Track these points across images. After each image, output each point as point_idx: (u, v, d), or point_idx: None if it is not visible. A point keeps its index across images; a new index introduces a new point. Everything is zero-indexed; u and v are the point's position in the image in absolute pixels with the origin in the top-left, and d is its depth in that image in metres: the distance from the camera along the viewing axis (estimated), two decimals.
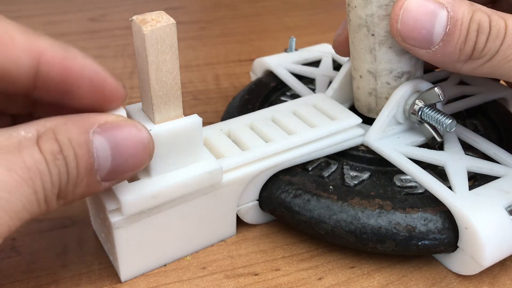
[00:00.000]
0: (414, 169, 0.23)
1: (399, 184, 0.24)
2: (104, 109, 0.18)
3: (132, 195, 0.19)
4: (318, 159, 0.25)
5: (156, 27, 0.17)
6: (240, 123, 0.25)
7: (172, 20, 0.18)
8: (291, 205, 0.22)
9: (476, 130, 0.28)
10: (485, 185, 0.22)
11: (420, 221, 0.21)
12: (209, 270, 0.22)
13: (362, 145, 0.25)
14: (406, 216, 0.21)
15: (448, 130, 0.23)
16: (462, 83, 0.31)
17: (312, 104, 0.26)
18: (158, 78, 0.18)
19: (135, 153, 0.17)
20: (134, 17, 0.18)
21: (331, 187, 0.23)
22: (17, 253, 0.23)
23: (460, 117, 0.29)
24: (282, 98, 0.30)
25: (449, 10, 0.20)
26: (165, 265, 0.22)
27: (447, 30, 0.20)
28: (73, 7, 0.50)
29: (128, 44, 0.43)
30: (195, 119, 0.20)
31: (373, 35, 0.23)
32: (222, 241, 0.24)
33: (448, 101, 0.29)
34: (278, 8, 0.53)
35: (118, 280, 0.21)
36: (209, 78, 0.38)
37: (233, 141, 0.24)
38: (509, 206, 0.21)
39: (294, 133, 0.24)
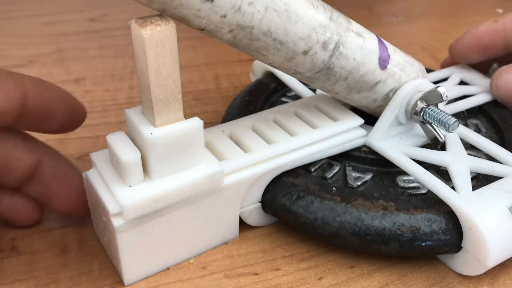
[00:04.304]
0: (417, 169, 0.23)
1: (402, 185, 0.23)
2: (72, 128, 0.23)
3: (134, 199, 0.19)
4: (321, 160, 0.25)
5: (156, 30, 0.17)
6: (242, 125, 0.24)
7: (172, 23, 0.18)
8: (294, 207, 0.22)
9: (477, 130, 0.28)
10: (489, 185, 0.22)
11: (424, 222, 0.21)
12: (209, 270, 0.22)
13: (364, 146, 0.25)
14: (410, 217, 0.21)
15: (450, 130, 0.23)
16: (462, 83, 0.31)
17: (313, 105, 0.26)
18: (158, 81, 0.18)
19: None
20: (133, 20, 0.18)
21: (334, 188, 0.23)
22: (17, 253, 0.23)
23: (461, 117, 0.29)
24: (283, 99, 0.30)
25: None
26: (168, 269, 0.22)
27: None
28: (73, 7, 0.50)
29: (128, 44, 0.42)
30: (196, 122, 0.20)
31: (336, 93, 0.24)
32: (225, 243, 0.23)
33: (448, 102, 0.29)
34: None
35: (118, 280, 0.21)
36: (209, 78, 0.38)
37: (235, 143, 0.23)
38: None
39: (296, 134, 0.24)
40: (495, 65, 0.32)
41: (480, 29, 0.30)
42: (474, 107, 0.29)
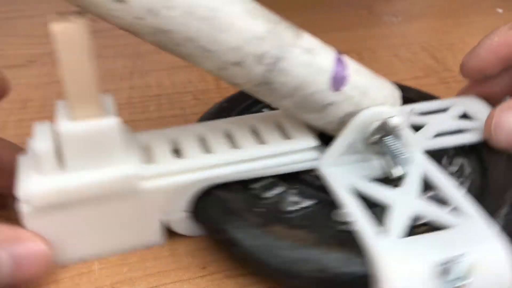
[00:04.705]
0: (350, 203, 0.21)
1: (338, 218, 0.22)
2: None
3: (41, 188, 0.19)
4: (267, 178, 0.23)
5: (66, 25, 0.17)
6: (191, 131, 0.24)
7: (83, 20, 0.18)
8: (213, 222, 0.21)
9: (461, 170, 0.25)
10: (425, 234, 0.19)
11: (341, 261, 0.19)
12: (209, 270, 0.22)
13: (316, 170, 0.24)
14: (325, 254, 0.19)
15: (401, 166, 0.21)
16: (465, 116, 0.28)
17: (273, 120, 0.25)
18: (71, 76, 0.18)
19: (35, 268, 0.20)
20: (53, 15, 0.18)
21: (262, 209, 0.21)
22: None
23: (449, 154, 0.26)
24: (264, 110, 0.29)
25: None
26: (85, 262, 0.22)
27: None
28: (73, 7, 0.50)
29: (128, 44, 0.42)
30: (110, 122, 0.20)
31: (287, 110, 0.23)
32: (148, 247, 0.23)
33: (438, 135, 0.26)
34: (278, 7, 0.50)
35: (119, 280, 0.21)
36: (209, 78, 0.38)
37: (176, 148, 0.23)
38: (444, 264, 0.18)
39: (239, 147, 0.23)
40: (507, 97, 0.28)
41: (495, 40, 0.27)
42: (465, 145, 0.26)
